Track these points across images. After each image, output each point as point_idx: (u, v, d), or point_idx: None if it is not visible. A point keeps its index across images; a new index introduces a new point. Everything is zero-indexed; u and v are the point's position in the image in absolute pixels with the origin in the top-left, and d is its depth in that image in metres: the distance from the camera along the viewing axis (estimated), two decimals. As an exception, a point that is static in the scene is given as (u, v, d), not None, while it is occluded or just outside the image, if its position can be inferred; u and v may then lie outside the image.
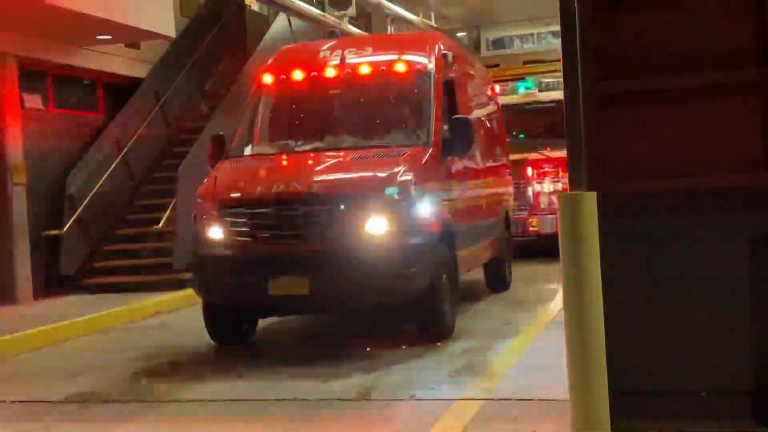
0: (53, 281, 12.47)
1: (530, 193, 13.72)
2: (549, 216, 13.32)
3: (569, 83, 4.54)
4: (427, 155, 8.10)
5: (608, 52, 4.52)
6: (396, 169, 7.74)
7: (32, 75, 12.73)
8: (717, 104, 4.43)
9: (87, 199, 12.89)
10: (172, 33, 13.25)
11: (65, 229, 12.47)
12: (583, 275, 4.05)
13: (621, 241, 4.45)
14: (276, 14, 17.75)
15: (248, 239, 7.61)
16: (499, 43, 25.67)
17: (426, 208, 7.81)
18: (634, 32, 4.52)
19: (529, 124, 14.61)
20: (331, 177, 7.99)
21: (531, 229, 13.53)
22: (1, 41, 11.59)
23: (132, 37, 13.23)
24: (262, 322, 8.78)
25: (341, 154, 8.25)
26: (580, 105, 4.49)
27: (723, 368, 4.46)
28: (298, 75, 9.00)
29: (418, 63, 8.86)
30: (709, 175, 4.42)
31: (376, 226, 7.43)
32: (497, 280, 10.88)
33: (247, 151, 8.74)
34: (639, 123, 4.52)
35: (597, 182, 4.43)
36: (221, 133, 8.91)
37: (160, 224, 12.69)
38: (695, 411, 4.48)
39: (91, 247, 13.13)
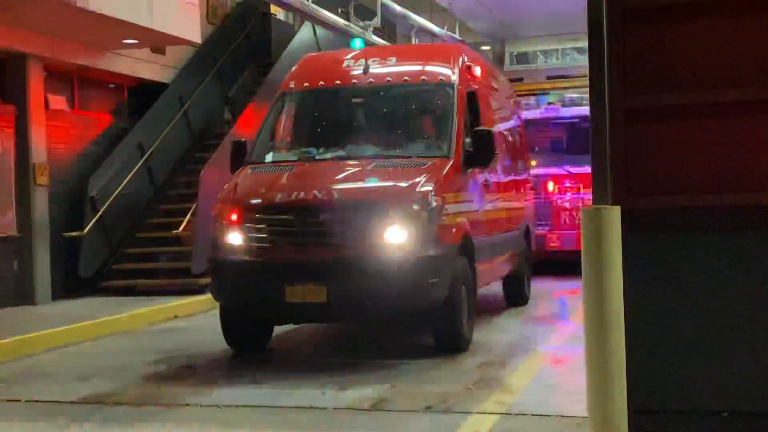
0: (72, 283, 12.53)
1: (551, 208, 13.66)
2: (570, 231, 13.24)
3: (595, 97, 4.49)
4: (448, 167, 8.07)
5: (636, 67, 4.47)
6: (416, 180, 7.73)
7: (58, 77, 12.83)
8: (747, 121, 4.37)
9: (108, 202, 12.93)
10: (197, 39, 13.30)
11: (85, 231, 12.51)
12: (605, 291, 4.00)
13: (644, 257, 4.39)
14: (301, 23, 17.80)
15: (267, 246, 7.61)
16: (523, 58, 25.63)
17: (446, 220, 7.78)
18: (664, 46, 4.47)
19: (551, 139, 14.56)
20: (352, 186, 7.98)
21: (551, 244, 13.46)
22: (27, 43, 11.69)
23: (158, 42, 13.30)
24: (278, 329, 8.76)
25: (362, 163, 8.23)
26: (606, 119, 4.45)
27: (745, 389, 4.39)
28: (321, 83, 9.01)
29: (442, 74, 8.85)
30: (736, 193, 4.35)
31: (396, 235, 7.40)
32: (516, 294, 10.81)
33: (269, 157, 8.74)
34: (666, 138, 4.47)
35: (621, 197, 4.39)
36: (243, 139, 8.92)
37: (180, 228, 12.73)
38: (715, 431, 4.41)
39: (111, 250, 13.18)
